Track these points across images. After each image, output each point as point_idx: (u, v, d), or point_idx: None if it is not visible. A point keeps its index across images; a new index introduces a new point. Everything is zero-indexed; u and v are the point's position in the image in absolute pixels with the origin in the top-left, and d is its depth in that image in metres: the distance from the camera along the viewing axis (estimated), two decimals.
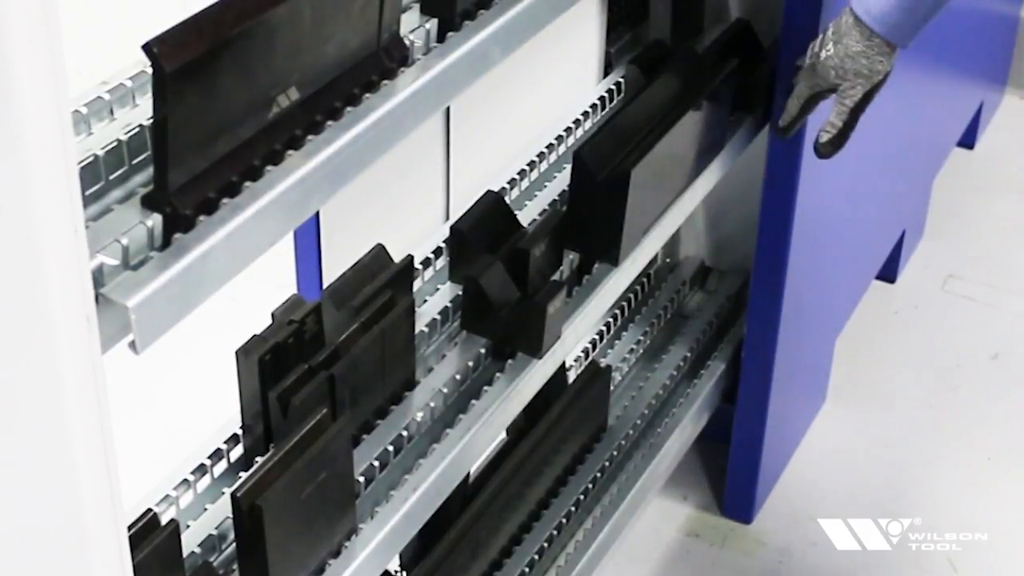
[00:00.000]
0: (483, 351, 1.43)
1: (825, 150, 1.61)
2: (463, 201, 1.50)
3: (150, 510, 1.14)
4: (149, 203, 0.96)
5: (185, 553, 1.17)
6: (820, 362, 2.26)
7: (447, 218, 1.59)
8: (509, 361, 1.42)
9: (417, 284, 1.46)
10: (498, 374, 1.41)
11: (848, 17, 1.50)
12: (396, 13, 1.13)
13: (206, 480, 1.28)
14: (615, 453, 1.81)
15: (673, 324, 2.04)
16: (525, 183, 1.62)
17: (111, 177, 1.00)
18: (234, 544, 1.22)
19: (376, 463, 1.30)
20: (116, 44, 1.86)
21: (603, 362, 1.87)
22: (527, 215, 1.56)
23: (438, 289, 1.48)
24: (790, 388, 2.08)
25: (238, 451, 1.31)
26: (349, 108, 1.09)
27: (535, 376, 1.43)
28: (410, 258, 1.41)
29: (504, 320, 1.41)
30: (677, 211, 1.62)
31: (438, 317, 1.43)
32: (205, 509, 1.26)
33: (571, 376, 1.75)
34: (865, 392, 2.33)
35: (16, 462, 0.86)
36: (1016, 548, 2.06)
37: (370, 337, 1.28)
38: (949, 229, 2.71)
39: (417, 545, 1.48)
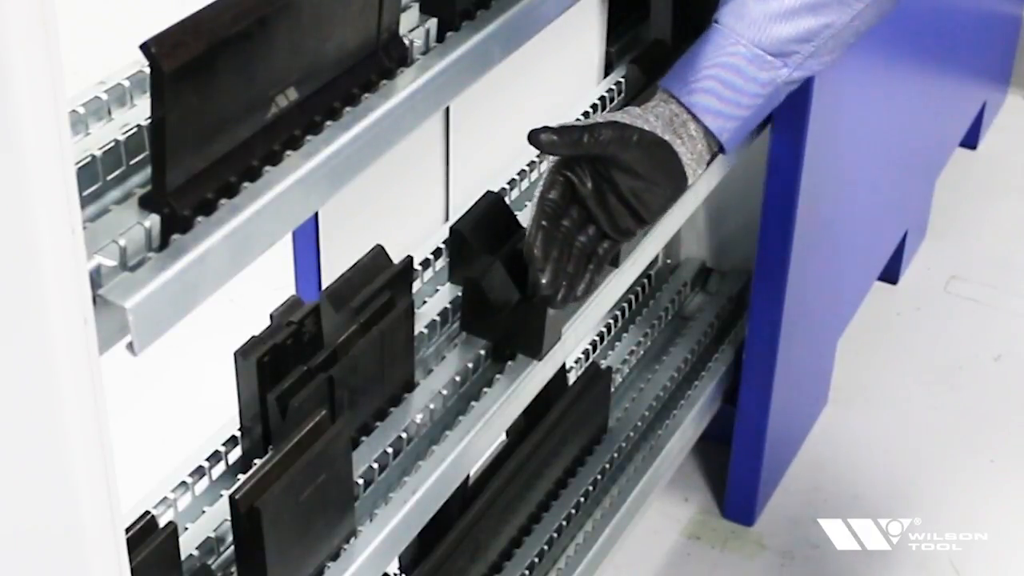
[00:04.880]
0: (483, 352, 1.42)
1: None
2: (463, 201, 1.49)
3: (148, 512, 1.13)
4: (147, 204, 0.95)
5: (183, 555, 1.16)
6: (822, 364, 2.26)
7: (447, 218, 1.59)
8: (509, 363, 1.42)
9: (416, 285, 1.46)
10: (498, 376, 1.41)
11: (679, 110, 1.31)
12: (395, 13, 1.12)
13: (204, 482, 1.27)
14: (615, 455, 1.80)
15: (674, 325, 2.04)
16: (525, 183, 1.62)
17: (109, 177, 0.99)
18: (232, 547, 1.21)
19: (375, 465, 1.29)
20: (114, 44, 1.86)
21: (604, 364, 1.86)
22: (527, 215, 1.55)
23: (437, 290, 1.47)
24: (792, 390, 2.07)
25: (236, 453, 1.30)
26: (348, 108, 1.09)
27: (535, 378, 1.43)
28: (409, 259, 1.41)
29: (504, 321, 1.40)
30: (678, 212, 1.61)
31: (437, 318, 1.43)
32: (203, 511, 1.25)
33: (571, 378, 1.75)
34: (867, 394, 2.33)
35: (13, 464, 0.85)
36: (1017, 549, 2.06)
37: (369, 339, 1.28)
38: (952, 230, 2.70)
39: (416, 547, 1.48)
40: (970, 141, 2.91)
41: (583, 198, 1.30)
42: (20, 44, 0.69)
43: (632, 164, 1.29)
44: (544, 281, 1.30)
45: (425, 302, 1.46)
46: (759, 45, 1.32)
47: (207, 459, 1.28)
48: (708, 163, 1.36)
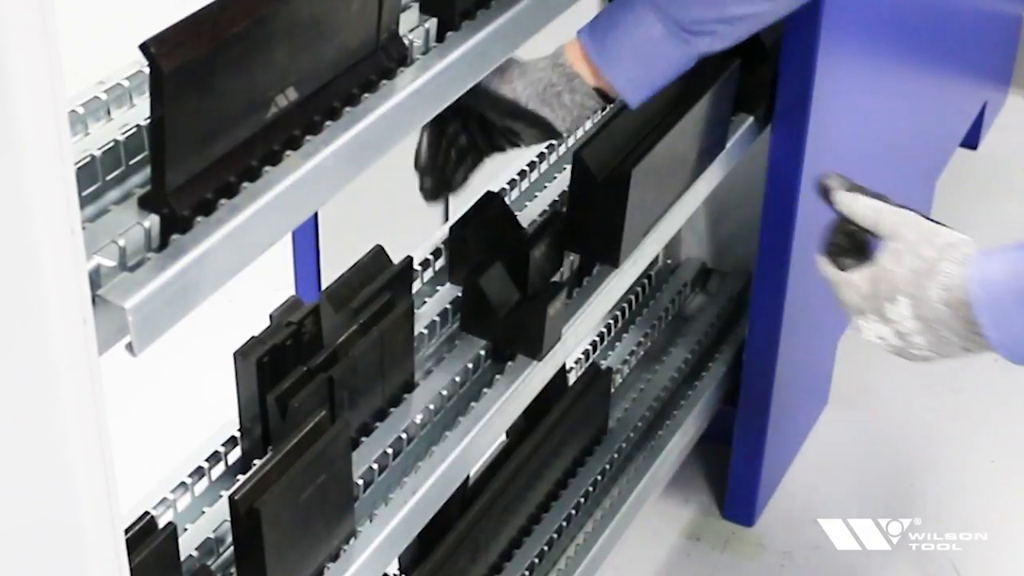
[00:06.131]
0: (483, 353, 1.42)
1: None
2: (463, 202, 1.49)
3: (147, 513, 1.13)
4: (146, 204, 0.95)
5: (182, 556, 1.16)
6: (822, 364, 2.26)
7: (446, 219, 1.59)
8: (509, 363, 1.42)
9: (416, 285, 1.46)
10: (498, 376, 1.40)
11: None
12: (395, 12, 1.12)
13: (204, 483, 1.27)
14: (616, 456, 1.80)
15: (674, 326, 2.04)
16: (525, 183, 1.62)
17: (108, 178, 0.99)
18: (232, 547, 1.21)
19: (375, 466, 1.29)
20: (113, 44, 1.86)
21: (604, 364, 1.86)
22: (527, 216, 1.56)
23: (437, 291, 1.47)
24: (792, 390, 2.07)
25: (236, 454, 1.30)
26: (348, 108, 1.08)
27: (535, 378, 1.43)
28: (409, 259, 1.41)
29: (504, 322, 1.40)
30: (678, 212, 1.61)
31: (437, 319, 1.43)
32: (203, 512, 1.25)
33: (571, 378, 1.75)
34: (867, 394, 2.33)
35: (12, 465, 0.85)
36: (1017, 549, 2.06)
37: (369, 339, 1.28)
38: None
39: (416, 548, 1.47)
40: (971, 141, 2.91)
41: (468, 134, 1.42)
42: (20, 44, 0.69)
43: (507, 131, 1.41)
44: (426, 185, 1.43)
45: (425, 302, 1.46)
46: (679, 23, 1.35)
47: (207, 459, 1.28)
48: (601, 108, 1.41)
